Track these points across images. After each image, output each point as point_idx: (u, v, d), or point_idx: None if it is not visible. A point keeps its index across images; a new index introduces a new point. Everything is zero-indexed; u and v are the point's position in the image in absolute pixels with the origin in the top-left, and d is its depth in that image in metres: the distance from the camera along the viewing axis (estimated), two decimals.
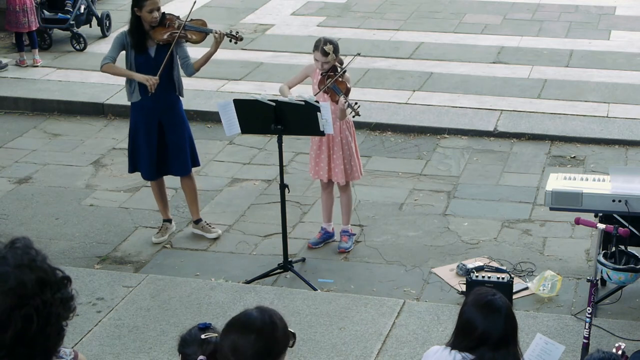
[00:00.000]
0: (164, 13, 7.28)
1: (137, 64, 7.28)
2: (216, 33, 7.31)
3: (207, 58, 7.48)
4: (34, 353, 2.36)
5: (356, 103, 6.99)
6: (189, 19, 7.34)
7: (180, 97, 7.54)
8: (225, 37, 7.36)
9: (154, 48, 7.29)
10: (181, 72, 7.48)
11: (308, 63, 7.69)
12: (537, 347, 4.59)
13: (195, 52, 7.88)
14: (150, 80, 7.18)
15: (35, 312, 2.32)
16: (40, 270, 2.37)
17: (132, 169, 7.72)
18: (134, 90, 7.35)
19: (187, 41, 7.41)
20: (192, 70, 7.46)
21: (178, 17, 7.40)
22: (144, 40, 7.25)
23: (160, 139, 7.46)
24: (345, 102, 6.98)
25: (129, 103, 7.52)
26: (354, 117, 7.09)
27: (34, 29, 11.80)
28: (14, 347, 2.32)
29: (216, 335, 3.24)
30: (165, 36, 7.25)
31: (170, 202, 8.02)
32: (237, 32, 7.48)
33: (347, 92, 7.08)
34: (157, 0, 7.24)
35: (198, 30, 7.40)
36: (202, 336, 3.14)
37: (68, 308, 2.43)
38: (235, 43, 7.51)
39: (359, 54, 7.68)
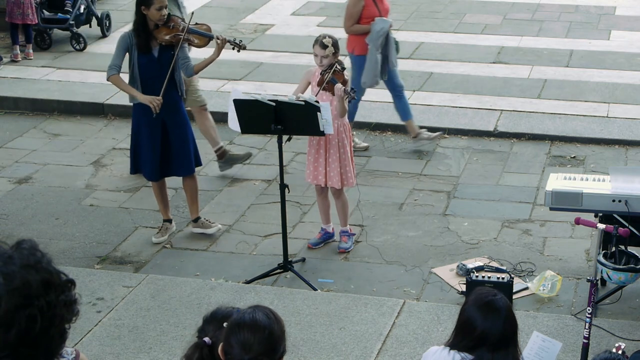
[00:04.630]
0: (169, 14, 7.27)
1: (140, 64, 7.25)
2: (218, 39, 7.31)
3: (208, 62, 7.49)
4: (37, 354, 2.36)
5: (352, 89, 7.05)
6: (193, 23, 7.35)
7: (183, 98, 7.54)
8: (228, 43, 7.36)
9: (157, 49, 7.27)
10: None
11: (306, 66, 7.71)
12: (534, 345, 4.60)
13: (194, 53, 7.87)
14: (154, 102, 7.17)
15: (39, 313, 2.33)
16: (45, 271, 2.38)
17: (133, 171, 7.71)
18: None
19: (190, 44, 7.41)
20: (192, 72, 7.46)
21: (183, 20, 7.40)
22: (149, 40, 7.24)
23: (164, 140, 7.46)
24: (341, 88, 7.01)
25: (129, 103, 7.51)
26: (349, 102, 7.14)
27: (29, 23, 11.82)
28: (17, 347, 2.32)
29: None
30: (168, 37, 7.24)
31: (170, 202, 8.00)
32: (241, 41, 7.49)
33: (344, 83, 7.12)
34: None
35: (201, 34, 7.40)
36: (224, 324, 3.22)
37: (71, 311, 2.44)
38: (238, 51, 7.51)
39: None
